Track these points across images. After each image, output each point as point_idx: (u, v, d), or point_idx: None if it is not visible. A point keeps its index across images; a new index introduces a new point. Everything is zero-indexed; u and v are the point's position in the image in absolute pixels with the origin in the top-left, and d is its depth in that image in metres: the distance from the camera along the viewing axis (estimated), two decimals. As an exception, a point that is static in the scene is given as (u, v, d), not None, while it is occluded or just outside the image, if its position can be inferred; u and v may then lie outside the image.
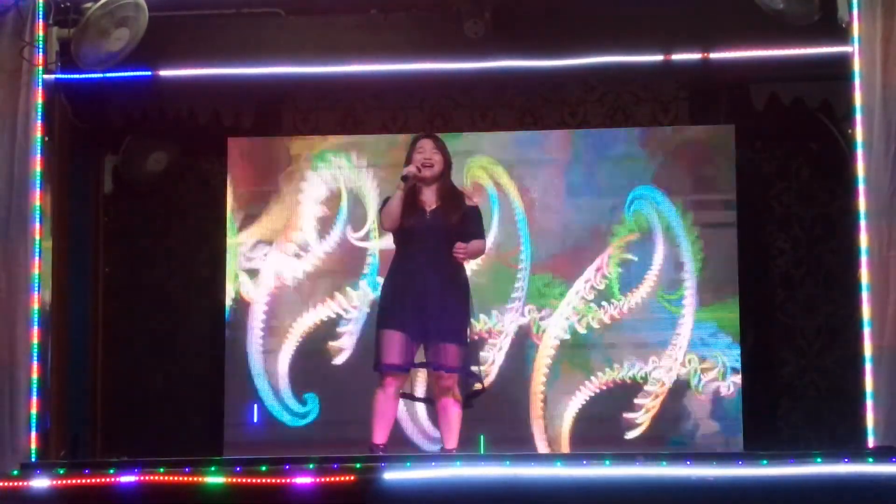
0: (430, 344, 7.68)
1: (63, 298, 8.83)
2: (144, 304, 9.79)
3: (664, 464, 7.18)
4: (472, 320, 7.92)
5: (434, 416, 8.31)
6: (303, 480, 7.07)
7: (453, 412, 7.77)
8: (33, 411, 8.06)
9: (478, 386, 7.82)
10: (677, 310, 9.32)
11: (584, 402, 9.31)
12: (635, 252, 9.39)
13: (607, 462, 7.21)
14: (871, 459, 7.14)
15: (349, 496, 7.05)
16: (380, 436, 7.72)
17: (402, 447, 8.67)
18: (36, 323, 8.14)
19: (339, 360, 9.46)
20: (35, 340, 8.12)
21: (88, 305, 9.57)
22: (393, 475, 7.10)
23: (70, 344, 9.08)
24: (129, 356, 9.72)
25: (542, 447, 9.27)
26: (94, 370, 9.60)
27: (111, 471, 7.23)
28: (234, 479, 7.12)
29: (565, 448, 9.24)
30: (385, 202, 7.84)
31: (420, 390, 8.39)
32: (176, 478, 7.17)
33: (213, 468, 7.20)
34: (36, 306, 8.16)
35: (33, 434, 8.05)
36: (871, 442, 7.67)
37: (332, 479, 7.07)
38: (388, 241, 8.09)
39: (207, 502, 7.10)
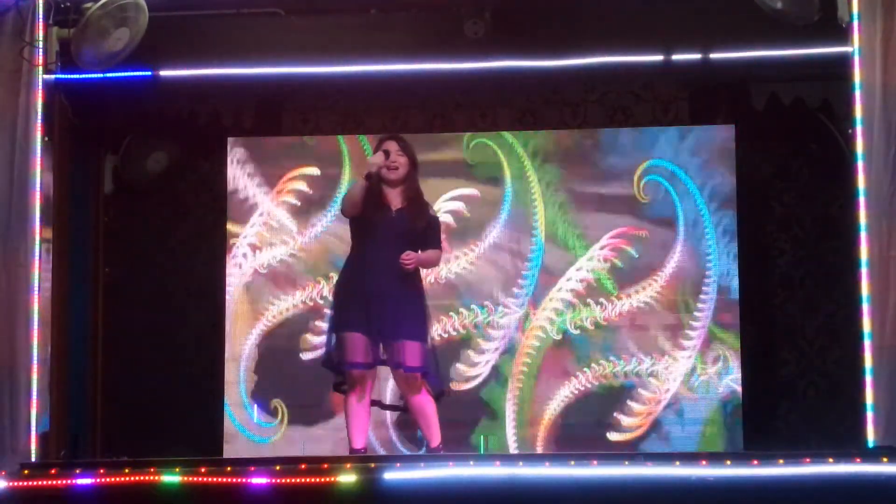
0: (388, 344, 7.60)
1: (63, 298, 8.83)
2: (144, 304, 9.78)
3: (664, 464, 7.18)
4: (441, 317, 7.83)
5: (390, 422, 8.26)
6: (302, 480, 7.07)
7: (428, 409, 7.69)
8: (33, 411, 8.05)
9: (439, 389, 7.78)
10: (690, 314, 9.31)
11: (572, 403, 9.28)
12: (644, 248, 9.37)
13: (603, 462, 7.23)
14: (871, 459, 7.16)
15: (350, 496, 7.05)
16: (358, 440, 7.65)
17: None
18: (36, 323, 8.14)
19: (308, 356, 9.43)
20: (35, 340, 8.11)
21: (88, 305, 9.56)
22: (393, 475, 7.10)
23: (70, 344, 9.07)
24: (129, 356, 9.72)
25: (512, 447, 9.22)
26: (94, 370, 9.60)
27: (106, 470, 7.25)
28: (232, 479, 7.12)
29: (540, 449, 9.20)
30: (348, 190, 7.75)
31: (391, 399, 8.44)
32: (174, 478, 7.17)
33: (209, 468, 7.20)
34: (36, 306, 8.15)
35: (33, 434, 8.05)
36: (871, 442, 7.67)
37: (333, 479, 7.07)
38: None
39: (202, 502, 7.10)
